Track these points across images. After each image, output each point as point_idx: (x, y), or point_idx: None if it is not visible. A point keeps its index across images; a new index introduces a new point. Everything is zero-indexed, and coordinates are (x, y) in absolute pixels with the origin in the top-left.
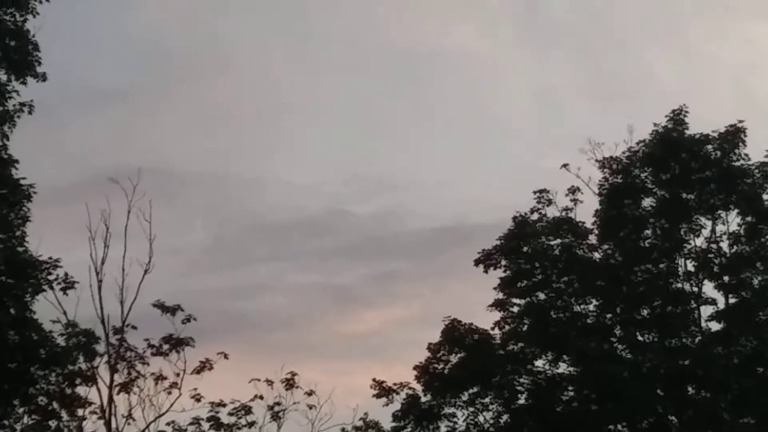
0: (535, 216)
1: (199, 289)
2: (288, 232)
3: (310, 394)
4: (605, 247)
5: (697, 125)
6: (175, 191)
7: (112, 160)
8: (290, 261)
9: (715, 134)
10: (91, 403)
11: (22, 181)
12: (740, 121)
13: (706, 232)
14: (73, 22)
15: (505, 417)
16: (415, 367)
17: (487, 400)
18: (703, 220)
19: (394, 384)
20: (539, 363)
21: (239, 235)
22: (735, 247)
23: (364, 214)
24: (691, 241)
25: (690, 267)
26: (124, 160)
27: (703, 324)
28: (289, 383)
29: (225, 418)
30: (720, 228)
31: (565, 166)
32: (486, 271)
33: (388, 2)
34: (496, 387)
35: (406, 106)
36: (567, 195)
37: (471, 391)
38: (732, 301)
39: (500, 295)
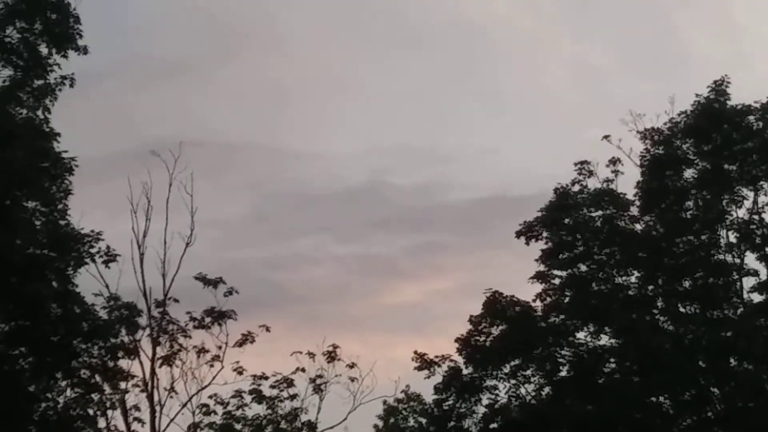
0: (576, 187)
1: (241, 261)
2: (329, 203)
3: (351, 366)
4: (647, 218)
5: (738, 96)
6: (217, 164)
7: (155, 134)
8: (331, 233)
9: (757, 105)
10: (133, 376)
11: (63, 155)
12: None
13: (748, 203)
14: None
15: (546, 389)
16: (457, 340)
17: (528, 372)
18: (745, 191)
19: (436, 356)
20: (581, 335)
21: (281, 207)
22: None
23: (405, 185)
24: (733, 213)
25: (732, 238)
26: (167, 134)
27: (746, 295)
28: (331, 356)
29: (267, 391)
30: (762, 199)
31: (606, 137)
32: (527, 243)
33: None
34: (537, 359)
35: (448, 79)
36: (608, 166)
37: (513, 363)
38: None
39: (542, 267)
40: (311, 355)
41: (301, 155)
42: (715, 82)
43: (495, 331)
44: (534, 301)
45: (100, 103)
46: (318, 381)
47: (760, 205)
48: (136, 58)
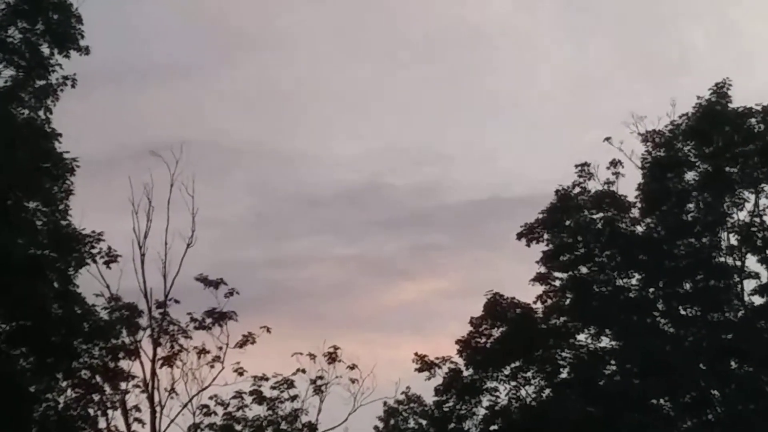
0: (577, 189)
1: (242, 262)
2: (330, 204)
3: (352, 368)
4: (648, 220)
5: (740, 99)
6: (220, 165)
7: (157, 135)
8: (332, 233)
9: (759, 108)
10: (134, 377)
11: (65, 155)
12: None
13: (749, 206)
14: None
15: (547, 391)
16: (458, 341)
17: (529, 374)
18: (746, 193)
19: (436, 358)
20: (581, 337)
21: (282, 208)
22: None
23: (404, 186)
24: (734, 215)
25: (733, 241)
26: (169, 135)
27: (746, 298)
28: (332, 357)
29: (267, 392)
30: (763, 201)
31: (607, 139)
32: (528, 245)
33: None
34: (538, 361)
35: (446, 82)
36: (609, 168)
37: (513, 365)
38: None
39: (542, 269)
40: (312, 356)
41: (302, 157)
42: (716, 84)
43: (495, 332)
44: (534, 302)
45: (102, 103)
46: (318, 382)
47: (761, 208)
48: (138, 59)
